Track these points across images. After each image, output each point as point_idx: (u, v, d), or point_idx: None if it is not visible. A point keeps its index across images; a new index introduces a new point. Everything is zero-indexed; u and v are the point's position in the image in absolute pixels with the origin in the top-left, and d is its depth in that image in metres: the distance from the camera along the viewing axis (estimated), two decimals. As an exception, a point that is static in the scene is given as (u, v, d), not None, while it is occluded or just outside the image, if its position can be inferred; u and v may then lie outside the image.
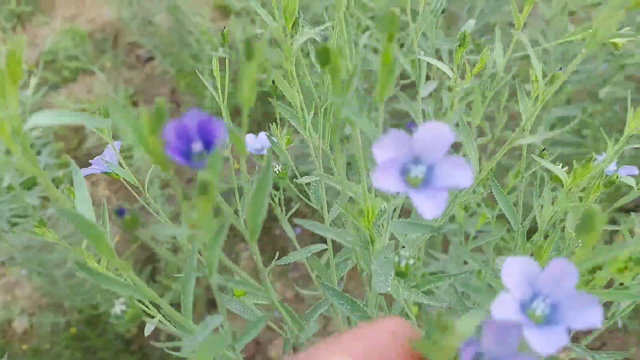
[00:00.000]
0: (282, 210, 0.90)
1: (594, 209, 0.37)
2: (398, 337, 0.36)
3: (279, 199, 0.89)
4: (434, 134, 0.37)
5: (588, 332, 1.93)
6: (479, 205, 1.01)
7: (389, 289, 0.60)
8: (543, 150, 0.84)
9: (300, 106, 0.76)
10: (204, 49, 2.40)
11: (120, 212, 0.38)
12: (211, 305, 2.21)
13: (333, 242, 0.83)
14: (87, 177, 0.67)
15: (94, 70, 2.67)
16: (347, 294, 0.75)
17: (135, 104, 2.64)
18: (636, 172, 0.84)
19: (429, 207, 0.35)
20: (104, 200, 0.70)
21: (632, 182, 0.82)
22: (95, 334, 2.13)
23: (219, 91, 0.82)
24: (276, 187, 0.89)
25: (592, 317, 0.33)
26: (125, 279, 0.55)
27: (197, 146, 0.38)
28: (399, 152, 0.37)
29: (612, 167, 0.86)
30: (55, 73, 2.87)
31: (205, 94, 2.41)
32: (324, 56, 0.40)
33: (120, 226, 0.38)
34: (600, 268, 0.58)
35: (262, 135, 0.95)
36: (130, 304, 0.47)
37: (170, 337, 0.67)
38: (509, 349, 0.34)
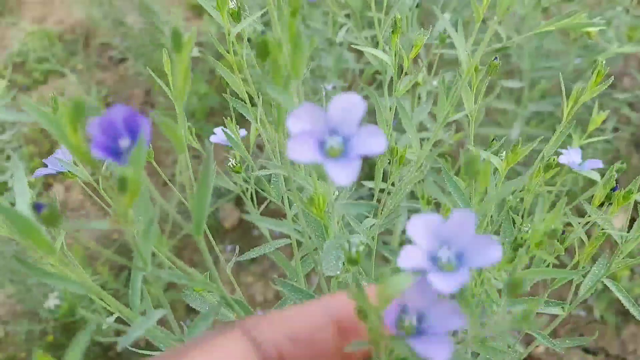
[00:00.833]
0: (254, 205, 0.90)
1: (473, 153, 0.39)
2: (331, 313, 0.37)
3: (251, 194, 0.88)
4: (346, 105, 0.38)
5: (566, 322, 1.96)
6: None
7: (338, 272, 0.60)
8: (493, 140, 0.85)
9: (250, 96, 0.75)
10: (178, 48, 2.36)
11: (38, 207, 0.37)
12: (191, 311, 2.18)
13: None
14: (62, 182, 0.65)
15: (65, 72, 2.61)
16: (302, 288, 0.75)
17: (109, 105, 2.59)
18: (600, 165, 0.86)
19: (341, 175, 0.36)
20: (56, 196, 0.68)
21: (595, 175, 0.84)
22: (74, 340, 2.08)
23: (171, 89, 0.80)
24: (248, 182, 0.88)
25: (492, 255, 0.35)
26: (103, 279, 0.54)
27: (125, 142, 0.38)
28: (314, 124, 0.38)
29: (577, 160, 0.88)
30: (25, 75, 2.81)
31: (180, 94, 2.38)
32: (262, 49, 0.40)
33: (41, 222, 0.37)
34: (521, 245, 0.59)
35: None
36: (65, 298, 0.46)
37: (150, 344, 0.66)
38: (429, 299, 0.36)
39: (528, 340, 1.94)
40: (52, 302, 0.47)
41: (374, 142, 0.37)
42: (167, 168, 2.31)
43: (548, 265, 0.81)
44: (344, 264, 0.62)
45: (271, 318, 0.36)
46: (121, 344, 0.48)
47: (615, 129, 1.97)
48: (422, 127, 1.31)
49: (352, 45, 0.88)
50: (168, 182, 0.89)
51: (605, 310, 1.94)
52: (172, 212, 0.44)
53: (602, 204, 0.81)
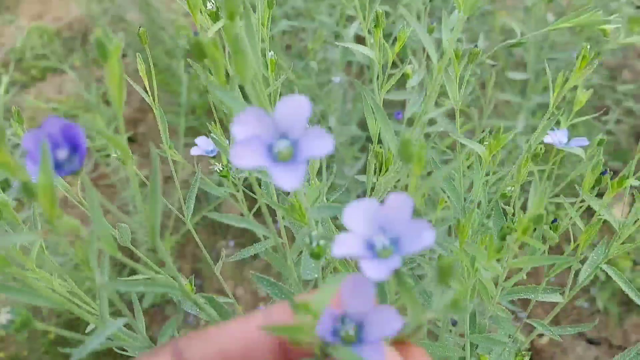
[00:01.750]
0: (246, 207, 0.90)
1: (406, 135, 0.38)
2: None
3: (242, 196, 0.88)
4: (293, 108, 0.37)
5: (569, 314, 1.96)
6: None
7: (316, 275, 0.60)
8: (483, 131, 0.85)
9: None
10: (177, 45, 2.36)
11: None
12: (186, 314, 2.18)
13: (291, 235, 0.82)
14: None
15: (64, 69, 2.60)
16: (278, 283, 0.74)
17: (108, 103, 2.58)
18: (586, 143, 0.87)
19: (286, 179, 0.35)
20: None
21: (579, 151, 0.85)
22: (75, 339, 2.08)
23: (149, 91, 0.81)
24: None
25: (426, 239, 0.34)
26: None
27: (63, 153, 0.38)
28: (261, 128, 0.37)
29: (563, 139, 0.89)
30: (23, 72, 2.80)
31: (179, 90, 2.37)
32: (197, 50, 0.40)
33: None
34: (509, 233, 0.59)
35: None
36: (18, 312, 0.46)
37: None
38: (367, 304, 0.35)
39: (531, 330, 1.94)
40: (3, 317, 0.47)
41: (321, 145, 0.36)
42: (167, 165, 2.31)
43: (544, 253, 0.81)
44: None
45: (204, 335, 0.35)
46: (76, 355, 0.47)
47: (617, 121, 1.97)
48: (432, 122, 1.30)
49: (336, 43, 0.88)
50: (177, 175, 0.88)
51: (608, 301, 1.94)
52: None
53: (601, 194, 0.81)
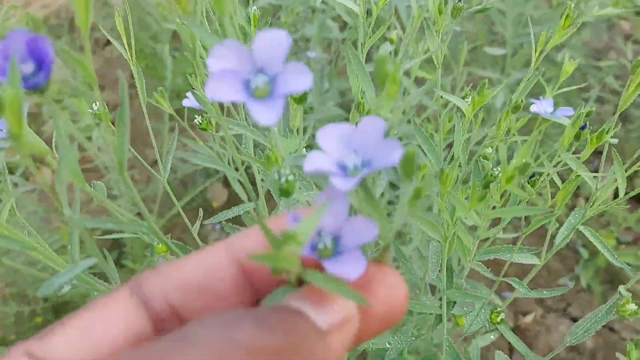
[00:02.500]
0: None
1: (381, 54, 0.38)
2: (231, 254, 0.35)
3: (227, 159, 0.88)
4: (272, 42, 0.36)
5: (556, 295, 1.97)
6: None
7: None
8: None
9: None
10: (163, 29, 2.35)
11: None
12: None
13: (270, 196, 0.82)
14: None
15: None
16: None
17: (101, 88, 2.57)
18: (571, 112, 0.88)
19: (264, 115, 0.35)
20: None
21: (565, 121, 0.85)
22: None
23: (127, 46, 0.80)
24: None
25: (393, 156, 0.35)
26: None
27: (28, 67, 0.37)
28: (238, 63, 0.36)
29: (549, 108, 0.90)
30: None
31: (165, 75, 2.36)
32: None
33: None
34: (492, 181, 0.60)
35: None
36: None
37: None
38: (342, 216, 0.36)
39: (516, 311, 1.96)
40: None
41: (299, 80, 0.35)
42: (152, 149, 2.30)
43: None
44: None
45: (163, 270, 0.34)
46: (42, 291, 0.47)
47: (601, 101, 1.98)
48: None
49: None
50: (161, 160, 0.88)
51: (592, 279, 1.96)
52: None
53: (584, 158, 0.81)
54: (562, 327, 1.91)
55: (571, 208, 2.09)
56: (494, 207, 0.67)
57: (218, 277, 0.34)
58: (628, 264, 0.87)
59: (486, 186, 0.63)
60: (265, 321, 0.30)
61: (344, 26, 1.65)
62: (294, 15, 1.38)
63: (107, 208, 0.51)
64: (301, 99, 0.61)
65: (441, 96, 0.86)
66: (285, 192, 0.52)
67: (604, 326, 1.95)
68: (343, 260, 0.35)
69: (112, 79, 2.70)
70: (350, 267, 0.33)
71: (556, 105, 0.93)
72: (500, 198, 0.62)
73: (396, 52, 1.24)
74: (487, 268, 0.84)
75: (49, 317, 2.12)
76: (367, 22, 0.84)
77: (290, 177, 0.51)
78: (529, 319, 1.94)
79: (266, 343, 0.28)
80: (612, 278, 1.99)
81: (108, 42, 2.83)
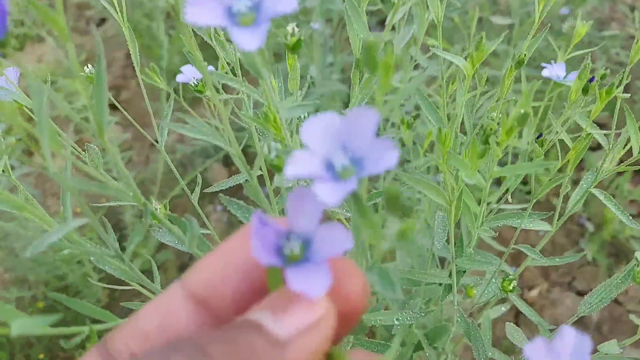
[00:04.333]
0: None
1: (370, 38, 0.35)
2: (189, 288, 0.34)
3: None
4: None
5: (558, 266, 1.96)
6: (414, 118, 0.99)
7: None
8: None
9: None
10: (156, 6, 2.30)
11: None
12: (183, 270, 2.17)
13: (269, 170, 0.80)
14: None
15: (43, 35, 2.54)
16: (246, 205, 0.71)
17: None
18: None
19: (247, 40, 0.33)
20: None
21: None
22: (64, 306, 2.07)
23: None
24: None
25: (388, 160, 0.31)
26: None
27: None
28: None
29: (561, 72, 0.89)
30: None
31: (161, 54, 2.32)
32: None
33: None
34: (492, 134, 0.57)
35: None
36: None
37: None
38: (314, 221, 0.32)
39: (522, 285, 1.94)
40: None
41: (284, 2, 0.33)
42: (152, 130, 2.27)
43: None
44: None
45: (123, 325, 0.34)
46: (32, 249, 0.45)
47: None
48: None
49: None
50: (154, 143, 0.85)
51: (597, 252, 1.95)
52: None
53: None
54: (568, 300, 1.90)
55: (575, 182, 2.07)
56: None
57: (174, 317, 0.33)
58: (633, 237, 0.84)
59: (486, 141, 0.60)
60: (207, 347, 0.28)
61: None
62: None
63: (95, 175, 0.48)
64: (295, 46, 0.58)
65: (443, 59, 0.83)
66: (276, 168, 0.49)
67: (609, 299, 1.94)
68: (308, 272, 0.31)
69: (107, 59, 2.65)
70: (313, 283, 0.30)
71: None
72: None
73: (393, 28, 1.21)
74: (495, 237, 0.82)
75: (50, 302, 2.11)
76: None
77: (279, 146, 0.49)
78: (534, 293, 1.93)
79: None
80: (618, 251, 1.97)
81: (101, 22, 2.78)
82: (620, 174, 2.08)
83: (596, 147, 2.14)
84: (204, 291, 0.33)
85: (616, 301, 1.90)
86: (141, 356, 0.30)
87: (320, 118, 0.34)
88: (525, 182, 2.08)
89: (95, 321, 0.50)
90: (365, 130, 0.33)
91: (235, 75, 0.75)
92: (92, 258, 0.63)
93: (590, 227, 1.98)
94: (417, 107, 1.17)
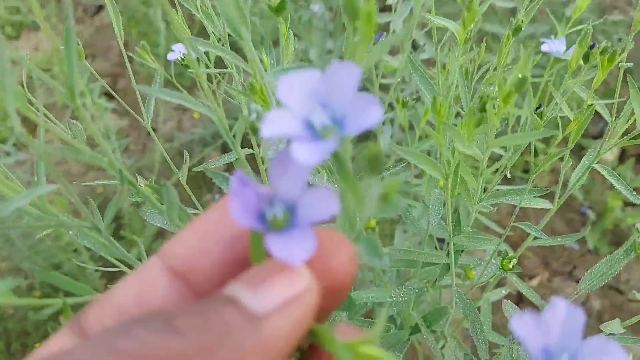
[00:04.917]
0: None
1: None
2: (167, 261, 0.32)
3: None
4: None
5: (559, 256, 1.94)
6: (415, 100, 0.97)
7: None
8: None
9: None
10: (154, -7, 2.27)
11: None
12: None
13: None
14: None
15: (39, 22, 2.52)
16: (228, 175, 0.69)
17: (86, 57, 2.51)
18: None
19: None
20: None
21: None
22: (61, 294, 2.05)
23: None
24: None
25: (372, 117, 0.29)
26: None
27: None
28: None
29: (561, 47, 0.88)
30: (-2, 31, 2.70)
31: (159, 41, 2.30)
32: None
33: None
34: (488, 102, 0.55)
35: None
36: None
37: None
38: (299, 184, 0.30)
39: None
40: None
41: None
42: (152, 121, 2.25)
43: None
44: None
45: (97, 301, 0.33)
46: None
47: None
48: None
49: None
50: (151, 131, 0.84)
51: (599, 241, 1.93)
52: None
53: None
54: (569, 289, 1.88)
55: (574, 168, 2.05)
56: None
57: (152, 291, 0.31)
58: (634, 226, 0.82)
59: (482, 109, 0.57)
60: (175, 320, 0.27)
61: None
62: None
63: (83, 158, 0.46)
64: (279, 7, 0.56)
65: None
66: (254, 129, 0.47)
67: (610, 288, 1.92)
68: (291, 238, 0.29)
69: (103, 47, 2.63)
70: (296, 248, 0.28)
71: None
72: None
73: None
74: (494, 221, 0.79)
75: (47, 291, 2.09)
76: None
77: (260, 109, 0.47)
78: (535, 282, 1.91)
79: (167, 348, 0.26)
80: (619, 240, 1.95)
81: (97, 10, 2.76)
82: (622, 161, 2.06)
83: (597, 135, 2.12)
84: (182, 265, 0.32)
85: (618, 290, 1.89)
86: (109, 330, 0.28)
87: (298, 74, 0.31)
88: (526, 170, 2.06)
89: (70, 294, 0.47)
90: (347, 86, 0.30)
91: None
92: (70, 232, 0.61)
93: (591, 215, 1.96)
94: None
